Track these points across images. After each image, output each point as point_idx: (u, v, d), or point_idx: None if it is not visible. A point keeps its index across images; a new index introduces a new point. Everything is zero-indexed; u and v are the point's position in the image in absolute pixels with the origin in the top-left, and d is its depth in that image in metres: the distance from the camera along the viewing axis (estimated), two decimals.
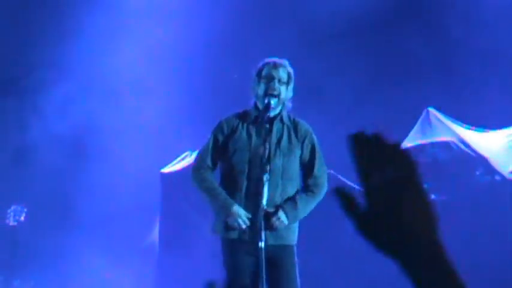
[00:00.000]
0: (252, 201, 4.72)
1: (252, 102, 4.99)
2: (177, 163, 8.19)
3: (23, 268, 7.93)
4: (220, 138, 4.94)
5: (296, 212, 4.78)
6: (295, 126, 4.93)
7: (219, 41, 9.38)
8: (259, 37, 9.08)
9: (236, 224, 4.73)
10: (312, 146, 4.92)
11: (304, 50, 8.89)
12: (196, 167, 4.97)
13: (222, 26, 9.29)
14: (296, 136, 4.89)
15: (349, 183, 7.34)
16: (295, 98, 5.01)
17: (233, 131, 4.90)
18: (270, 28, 9.20)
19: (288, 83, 4.90)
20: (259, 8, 9.30)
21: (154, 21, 9.45)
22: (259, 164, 4.67)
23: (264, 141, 4.71)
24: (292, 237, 4.85)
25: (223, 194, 4.82)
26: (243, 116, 4.96)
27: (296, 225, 4.90)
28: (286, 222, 4.72)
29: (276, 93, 4.82)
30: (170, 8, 9.49)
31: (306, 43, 9.08)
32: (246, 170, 4.78)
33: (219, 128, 4.97)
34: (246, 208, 4.74)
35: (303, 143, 4.90)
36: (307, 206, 4.84)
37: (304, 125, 4.97)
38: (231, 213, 4.73)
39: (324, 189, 4.92)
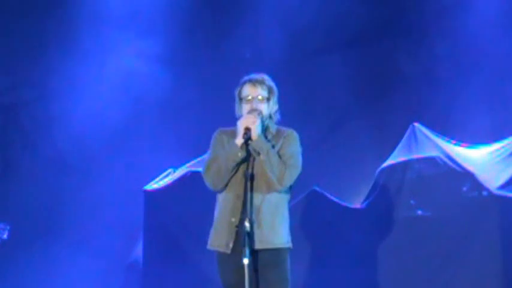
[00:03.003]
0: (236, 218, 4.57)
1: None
2: (160, 180, 8.15)
3: (7, 283, 7.90)
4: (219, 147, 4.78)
5: (266, 144, 4.58)
6: (278, 137, 4.74)
7: (201, 55, 9.39)
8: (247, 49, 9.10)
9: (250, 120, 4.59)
10: (286, 140, 4.71)
11: (290, 64, 8.89)
12: (203, 170, 4.76)
13: (203, 39, 9.31)
14: (277, 145, 4.68)
15: (333, 199, 7.30)
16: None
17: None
18: (257, 41, 9.21)
19: (269, 98, 4.75)
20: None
21: (137, 36, 9.44)
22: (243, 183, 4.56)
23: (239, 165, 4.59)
24: (280, 240, 4.61)
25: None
26: (233, 134, 4.74)
27: (284, 227, 4.65)
28: (257, 133, 4.55)
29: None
30: (153, 21, 9.49)
31: (292, 57, 9.07)
32: (234, 188, 4.64)
33: (216, 137, 4.83)
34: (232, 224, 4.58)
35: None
36: (273, 157, 4.56)
37: (285, 132, 4.78)
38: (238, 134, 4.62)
39: (287, 175, 4.58)
